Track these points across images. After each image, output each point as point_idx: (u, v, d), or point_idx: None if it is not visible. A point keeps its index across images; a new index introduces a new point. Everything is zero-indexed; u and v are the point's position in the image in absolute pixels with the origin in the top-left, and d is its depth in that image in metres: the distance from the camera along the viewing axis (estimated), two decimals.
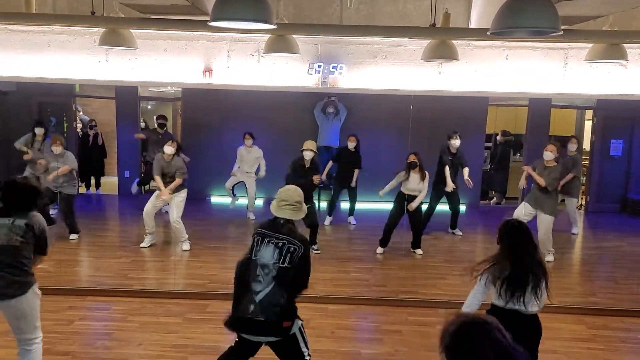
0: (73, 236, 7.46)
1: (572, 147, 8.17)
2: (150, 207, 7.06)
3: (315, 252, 7.13)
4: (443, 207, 8.31)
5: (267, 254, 3.34)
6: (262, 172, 8.65)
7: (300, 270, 3.40)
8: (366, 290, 6.01)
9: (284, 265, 3.32)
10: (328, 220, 8.76)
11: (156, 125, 9.04)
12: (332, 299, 5.74)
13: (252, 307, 3.32)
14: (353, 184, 8.50)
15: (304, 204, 3.53)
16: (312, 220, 6.93)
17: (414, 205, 7.04)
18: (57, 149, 7.23)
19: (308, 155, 7.00)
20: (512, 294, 3.36)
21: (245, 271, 3.42)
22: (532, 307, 3.42)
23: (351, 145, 8.42)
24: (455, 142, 7.90)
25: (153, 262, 7.00)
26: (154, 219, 7.14)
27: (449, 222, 8.32)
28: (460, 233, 8.33)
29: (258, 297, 3.33)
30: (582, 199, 10.42)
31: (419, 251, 7.32)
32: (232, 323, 3.43)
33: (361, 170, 8.52)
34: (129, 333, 4.93)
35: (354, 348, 4.81)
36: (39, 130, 8.09)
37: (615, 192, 9.96)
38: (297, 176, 6.68)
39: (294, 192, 3.49)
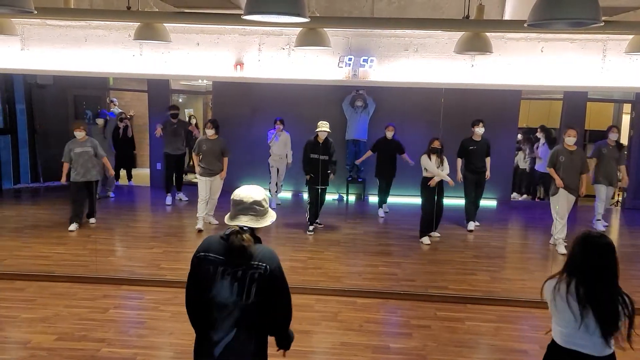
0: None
1: (613, 136, 8.06)
2: (204, 192, 7.55)
3: (319, 226, 7.83)
4: (459, 201, 8.29)
5: (224, 291, 2.41)
6: (289, 159, 8.94)
7: (274, 300, 2.44)
8: (395, 285, 5.99)
9: (250, 302, 2.39)
10: (382, 212, 8.78)
11: (170, 116, 9.23)
12: (360, 292, 5.74)
13: None
14: (412, 162, 8.35)
15: (269, 209, 2.57)
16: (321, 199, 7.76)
17: (447, 178, 7.34)
18: None
19: (322, 135, 7.53)
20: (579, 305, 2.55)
21: (200, 313, 2.51)
22: (601, 349, 2.57)
23: (390, 134, 8.44)
24: (479, 130, 7.84)
25: (185, 253, 7.11)
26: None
27: (465, 216, 8.17)
28: (473, 227, 8.13)
29: (217, 350, 2.43)
30: (618, 195, 10.15)
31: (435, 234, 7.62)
32: None
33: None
34: (161, 322, 5.04)
35: (382, 342, 4.80)
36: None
37: None
38: (310, 152, 7.59)
39: (254, 189, 2.52)
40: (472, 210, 8.12)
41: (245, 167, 9.59)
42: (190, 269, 2.53)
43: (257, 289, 2.38)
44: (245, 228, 2.43)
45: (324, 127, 7.52)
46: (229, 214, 2.50)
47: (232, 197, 2.50)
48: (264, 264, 2.39)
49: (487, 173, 8.00)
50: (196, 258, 2.49)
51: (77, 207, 7.57)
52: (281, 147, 8.85)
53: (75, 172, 7.40)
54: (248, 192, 2.49)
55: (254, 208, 2.46)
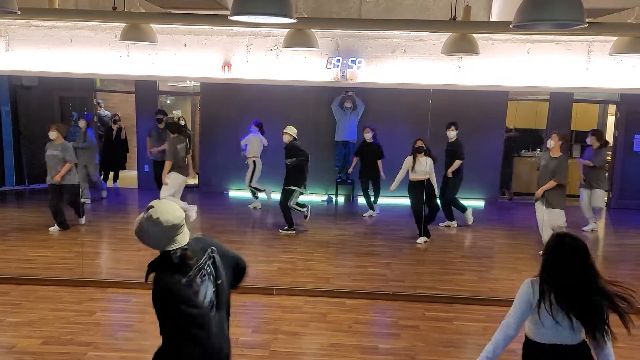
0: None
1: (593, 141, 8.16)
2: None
3: (287, 231, 7.60)
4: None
5: (209, 291, 2.54)
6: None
7: (234, 258, 2.70)
8: (384, 285, 6.00)
9: (220, 281, 2.56)
10: (369, 213, 8.81)
11: (156, 121, 9.20)
12: (349, 293, 5.75)
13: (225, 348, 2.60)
14: (383, 176, 8.51)
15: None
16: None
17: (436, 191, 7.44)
18: None
19: (286, 138, 7.58)
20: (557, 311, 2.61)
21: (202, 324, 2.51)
22: (580, 337, 2.69)
23: (368, 137, 8.46)
24: (450, 133, 7.94)
25: None
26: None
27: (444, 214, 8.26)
28: (455, 224, 8.30)
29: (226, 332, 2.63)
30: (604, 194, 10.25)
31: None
32: None
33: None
34: (148, 325, 4.99)
35: (371, 342, 4.81)
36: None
37: (639, 188, 9.77)
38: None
39: (168, 211, 2.61)
40: (446, 209, 8.21)
41: (233, 168, 9.55)
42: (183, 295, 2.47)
43: (222, 267, 2.58)
44: (185, 247, 2.53)
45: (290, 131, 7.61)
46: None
47: (159, 222, 2.59)
48: (209, 248, 2.59)
49: (449, 171, 7.99)
50: (181, 284, 2.46)
51: (52, 210, 7.49)
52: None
53: (48, 174, 7.40)
54: (165, 215, 2.59)
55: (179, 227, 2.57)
